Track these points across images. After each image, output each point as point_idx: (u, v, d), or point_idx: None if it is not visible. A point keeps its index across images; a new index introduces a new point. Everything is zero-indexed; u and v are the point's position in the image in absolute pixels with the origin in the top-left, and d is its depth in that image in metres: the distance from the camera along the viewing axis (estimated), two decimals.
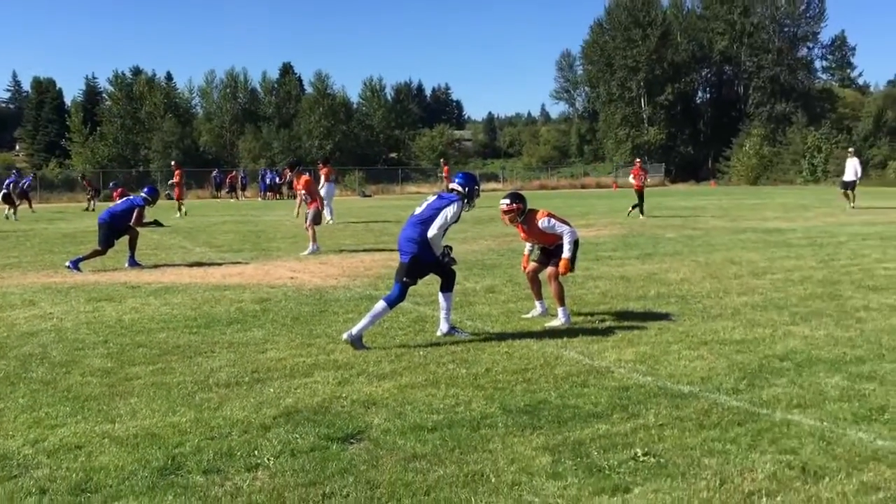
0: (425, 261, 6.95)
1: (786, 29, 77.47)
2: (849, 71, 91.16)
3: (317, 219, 14.53)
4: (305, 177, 15.51)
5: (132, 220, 12.52)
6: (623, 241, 15.29)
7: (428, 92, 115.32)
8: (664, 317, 7.78)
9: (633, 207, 22.59)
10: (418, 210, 7.06)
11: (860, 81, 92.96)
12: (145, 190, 13.43)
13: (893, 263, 11.38)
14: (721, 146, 72.33)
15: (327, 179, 22.05)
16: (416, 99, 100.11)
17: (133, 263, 12.59)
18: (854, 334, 6.91)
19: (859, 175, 26.20)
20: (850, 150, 28.09)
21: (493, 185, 58.10)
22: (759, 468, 3.92)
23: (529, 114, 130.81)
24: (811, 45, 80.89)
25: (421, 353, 6.44)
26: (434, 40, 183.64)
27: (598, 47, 79.22)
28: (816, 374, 5.64)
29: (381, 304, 6.81)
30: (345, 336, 6.63)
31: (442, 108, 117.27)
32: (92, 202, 35.19)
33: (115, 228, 12.56)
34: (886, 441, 4.28)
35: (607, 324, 7.53)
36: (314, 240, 14.20)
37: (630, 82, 75.17)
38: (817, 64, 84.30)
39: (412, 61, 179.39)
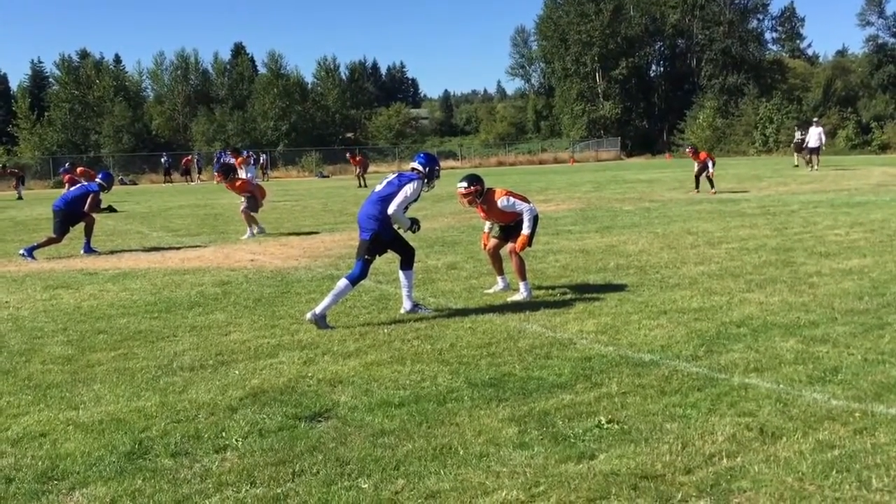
0: (385, 237, 6.96)
1: (736, 1, 78.25)
2: (798, 42, 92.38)
3: (252, 205, 14.25)
4: (241, 158, 16.01)
5: (86, 207, 12.31)
6: (582, 215, 15.43)
7: (383, 71, 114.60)
8: (624, 288, 7.90)
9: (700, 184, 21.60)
10: (378, 188, 7.06)
11: (809, 52, 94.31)
12: (100, 175, 13.22)
13: (844, 230, 11.66)
14: (675, 119, 73.10)
15: (239, 166, 22.04)
16: (371, 78, 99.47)
17: (88, 250, 12.40)
18: (807, 299, 7.09)
19: (823, 142, 28.42)
20: (815, 119, 30.09)
21: (451, 162, 58.04)
22: (718, 431, 4.02)
23: (486, 91, 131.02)
24: (761, 17, 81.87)
25: (385, 330, 6.47)
26: (388, 18, 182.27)
27: (553, 22, 79.23)
28: (772, 339, 5.78)
29: (343, 283, 6.81)
30: (308, 316, 6.63)
31: (398, 87, 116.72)
32: (18, 190, 34.72)
33: (70, 215, 12.35)
34: (840, 401, 4.42)
35: (568, 296, 7.63)
36: (251, 223, 14.03)
37: (584, 57, 75.38)
38: (767, 35, 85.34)
39: (366, 40, 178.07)
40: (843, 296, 7.18)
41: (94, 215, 12.71)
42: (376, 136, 79.21)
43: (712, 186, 20.52)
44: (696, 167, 21.26)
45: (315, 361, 5.62)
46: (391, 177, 7.16)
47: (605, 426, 4.14)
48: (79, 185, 13.34)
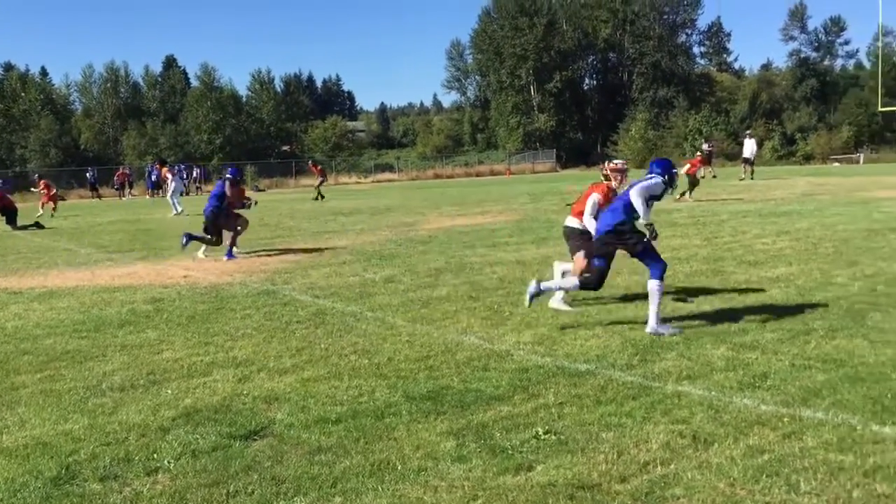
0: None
1: (665, 16, 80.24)
2: (725, 56, 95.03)
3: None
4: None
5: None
6: (518, 227, 15.56)
7: (319, 83, 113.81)
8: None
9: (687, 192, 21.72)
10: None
11: (736, 66, 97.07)
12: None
13: (771, 239, 12.00)
14: (609, 131, 74.46)
15: (164, 177, 21.48)
16: (306, 91, 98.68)
17: None
18: (737, 307, 7.27)
19: (754, 153, 32.31)
20: (749, 132, 32.62)
21: (387, 175, 58.02)
22: (653, 439, 4.08)
23: (422, 103, 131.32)
24: (689, 32, 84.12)
25: (322, 345, 6.40)
26: (323, 31, 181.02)
27: (487, 36, 79.99)
28: (703, 347, 5.91)
29: (654, 284, 6.45)
30: (648, 330, 6.35)
31: (334, 100, 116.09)
32: None
33: None
34: (769, 406, 4.53)
35: (506, 308, 7.67)
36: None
37: (519, 70, 76.24)
38: (696, 50, 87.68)
39: (301, 53, 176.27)
40: (771, 303, 7.38)
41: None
42: (313, 148, 78.59)
43: (686, 194, 21.17)
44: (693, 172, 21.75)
45: (250, 378, 5.52)
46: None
47: (542, 437, 4.17)
48: None
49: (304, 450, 4.13)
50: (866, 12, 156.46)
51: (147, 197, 44.97)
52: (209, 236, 12.66)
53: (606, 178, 8.02)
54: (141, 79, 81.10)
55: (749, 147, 32.48)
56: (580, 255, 7.57)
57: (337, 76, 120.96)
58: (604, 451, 3.94)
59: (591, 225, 7.38)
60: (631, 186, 6.84)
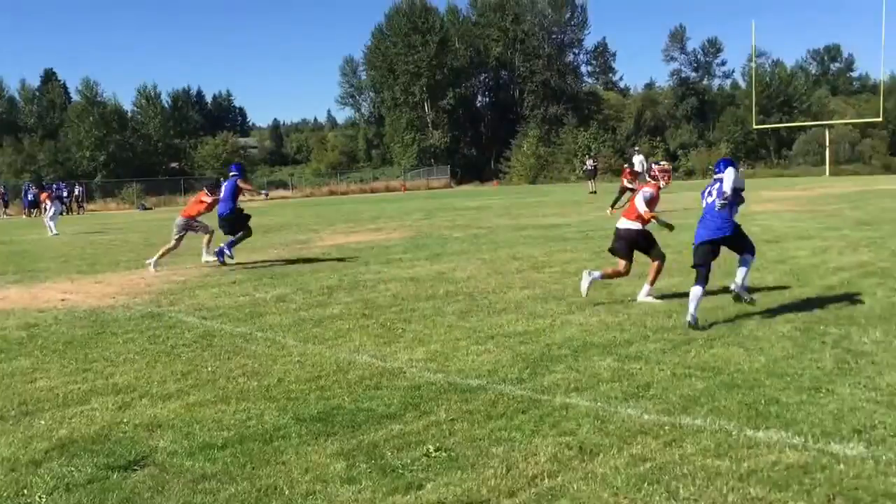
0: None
1: (553, 36, 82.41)
2: (611, 75, 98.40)
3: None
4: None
5: None
6: (413, 243, 15.59)
7: (209, 99, 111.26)
8: (453, 314, 8.02)
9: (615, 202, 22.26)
10: (709, 200, 7.50)
11: (621, 85, 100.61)
12: None
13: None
14: (502, 147, 75.75)
15: (45, 200, 20.59)
16: (196, 106, 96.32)
17: None
18: (623, 319, 7.49)
19: (644, 168, 32.64)
20: (636, 148, 34.44)
21: (281, 192, 57.16)
22: (541, 452, 4.14)
23: (316, 119, 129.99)
24: (577, 52, 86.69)
25: (209, 368, 6.22)
26: (212, 46, 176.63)
27: (381, 53, 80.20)
28: (591, 359, 6.05)
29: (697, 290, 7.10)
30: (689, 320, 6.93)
31: (225, 116, 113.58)
32: None
33: None
34: (652, 415, 4.67)
35: (399, 325, 7.64)
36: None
37: (413, 87, 76.71)
38: (583, 69, 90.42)
39: (189, 67, 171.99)
40: (655, 314, 7.63)
41: None
42: (203, 165, 76.66)
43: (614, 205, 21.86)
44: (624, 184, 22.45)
45: (131, 406, 5.30)
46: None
47: (433, 454, 4.16)
48: None
49: (187, 478, 3.98)
50: (741, 35, 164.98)
51: (23, 216, 42.81)
52: (241, 233, 13.08)
53: (654, 178, 8.84)
54: (17, 93, 77.42)
55: (638, 163, 33.78)
56: (623, 263, 8.48)
57: (227, 92, 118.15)
58: (493, 465, 3.97)
59: (642, 207, 8.26)
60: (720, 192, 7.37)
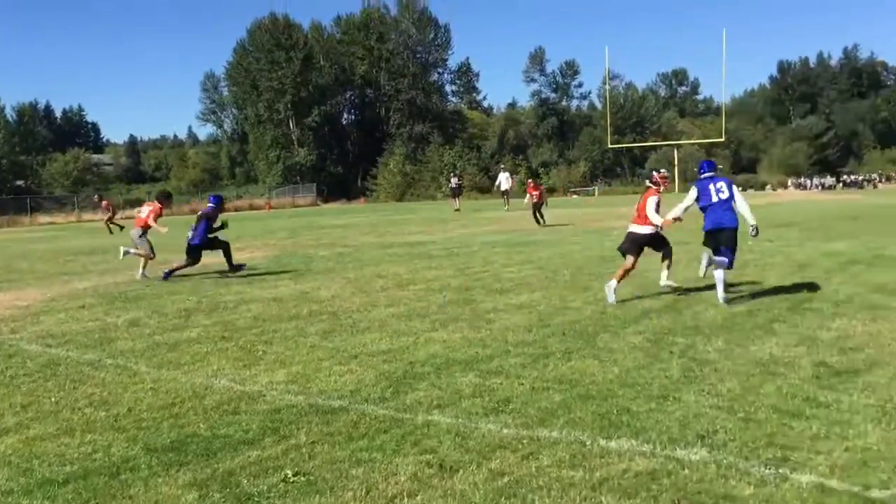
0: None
1: (418, 55, 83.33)
2: (475, 95, 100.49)
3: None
4: None
5: None
6: (276, 262, 15.31)
7: (58, 114, 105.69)
8: (316, 334, 7.90)
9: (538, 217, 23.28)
10: (723, 196, 8.96)
11: (485, 104, 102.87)
12: None
13: (516, 268, 12.73)
14: (369, 165, 75.75)
15: None
16: (44, 121, 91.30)
17: None
18: (485, 334, 7.60)
19: (511, 185, 35.31)
20: (502, 165, 36.80)
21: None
22: (401, 471, 4.13)
23: (176, 136, 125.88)
24: (441, 71, 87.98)
25: (52, 399, 5.85)
26: (62, 59, 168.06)
27: (243, 69, 78.69)
28: (453, 375, 6.10)
29: (721, 273, 8.73)
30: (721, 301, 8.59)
31: (76, 131, 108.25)
32: None
33: None
34: (511, 429, 4.75)
35: (260, 347, 7.46)
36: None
37: (277, 104, 75.64)
38: (448, 88, 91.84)
39: (37, 81, 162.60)
40: (516, 329, 7.79)
41: None
42: (52, 183, 72.64)
43: (541, 220, 22.91)
44: (530, 201, 23.62)
45: None
46: (720, 184, 9.10)
47: (291, 479, 4.07)
48: None
49: None
50: (596, 57, 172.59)
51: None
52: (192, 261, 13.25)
53: (657, 184, 9.70)
54: None
55: (504, 180, 34.95)
56: (631, 259, 9.44)
57: (79, 106, 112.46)
58: (353, 488, 3.92)
59: (656, 219, 9.32)
60: (732, 196, 9.01)
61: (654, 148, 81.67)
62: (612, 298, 9.08)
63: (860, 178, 76.14)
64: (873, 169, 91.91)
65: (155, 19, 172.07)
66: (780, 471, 3.95)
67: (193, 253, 13.20)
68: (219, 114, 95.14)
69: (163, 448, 4.66)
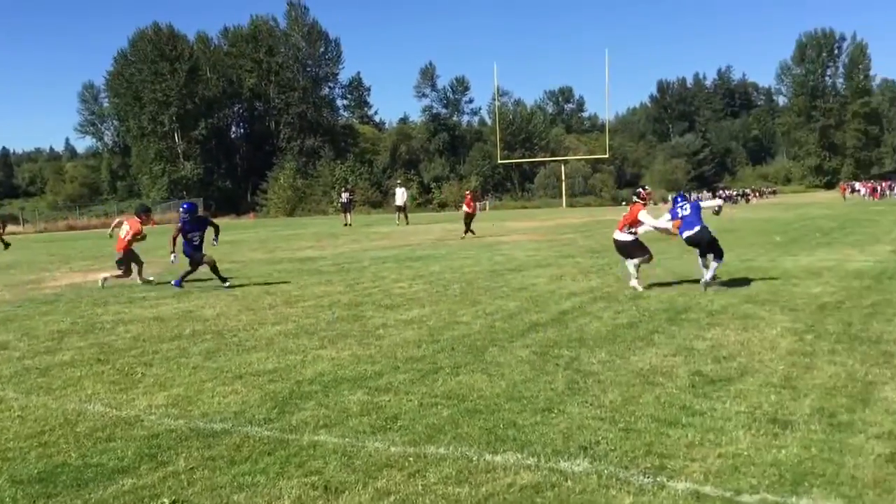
0: None
1: (308, 69, 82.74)
2: (366, 109, 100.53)
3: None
4: None
5: None
6: (159, 280, 14.76)
7: None
8: (199, 355, 7.66)
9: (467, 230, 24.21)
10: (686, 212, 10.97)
11: (377, 119, 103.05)
12: None
13: (407, 282, 12.73)
14: (258, 179, 74.45)
15: None
16: None
17: None
18: (374, 351, 7.54)
19: (406, 199, 35.89)
20: (399, 181, 37.90)
21: (11, 227, 51.96)
22: (285, 494, 4.03)
23: (52, 148, 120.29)
24: (332, 85, 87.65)
25: None
26: None
27: (125, 80, 76.19)
28: (341, 393, 6.02)
29: (716, 263, 10.86)
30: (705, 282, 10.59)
31: None
32: None
33: None
34: (398, 447, 4.72)
35: (139, 369, 7.15)
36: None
37: (162, 116, 73.53)
38: (339, 102, 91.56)
39: None
40: (405, 345, 7.77)
41: None
42: None
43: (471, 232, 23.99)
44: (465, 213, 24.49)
45: None
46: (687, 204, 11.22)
47: None
48: None
49: None
50: (486, 74, 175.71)
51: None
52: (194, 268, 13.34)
53: (643, 199, 11.37)
54: None
55: (400, 195, 35.17)
56: (639, 258, 11.15)
57: None
58: None
59: (665, 224, 11.27)
60: (694, 207, 11.09)
61: (542, 163, 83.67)
62: (640, 287, 10.90)
63: (735, 193, 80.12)
64: (746, 184, 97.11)
65: (27, 26, 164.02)
66: (658, 479, 4.08)
67: (196, 256, 13.17)
68: (99, 126, 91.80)
69: (29, 479, 4.40)
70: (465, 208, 25.01)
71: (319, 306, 10.53)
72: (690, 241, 11.01)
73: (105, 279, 13.83)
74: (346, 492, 4.04)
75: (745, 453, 4.41)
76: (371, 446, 4.75)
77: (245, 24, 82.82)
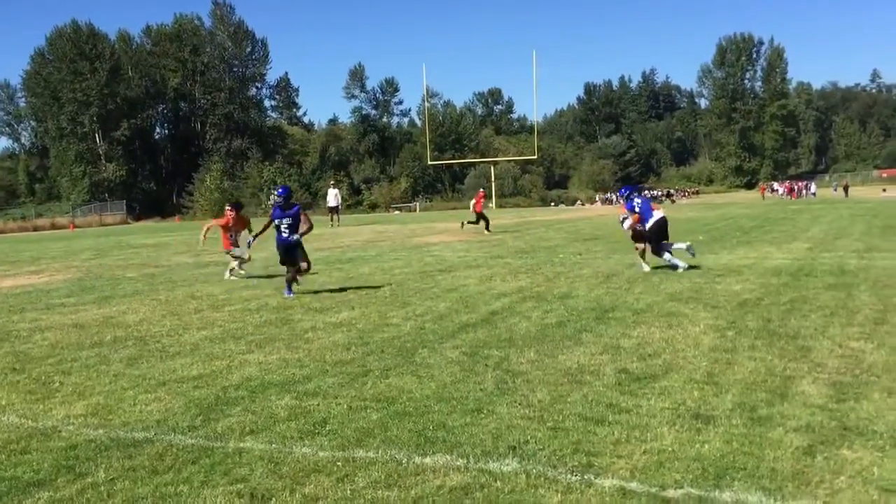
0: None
1: (235, 69, 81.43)
2: (295, 110, 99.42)
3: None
4: None
5: None
6: (79, 286, 14.30)
7: None
8: (120, 362, 7.43)
9: (473, 223, 25.73)
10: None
11: (306, 120, 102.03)
12: None
13: (336, 285, 12.62)
14: (184, 181, 72.90)
15: None
16: None
17: None
18: (302, 355, 7.44)
19: (339, 201, 35.49)
20: (331, 182, 38.02)
21: None
22: (210, 503, 3.93)
23: None
24: (259, 86, 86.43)
25: None
26: None
27: (42, 79, 73.63)
28: (269, 398, 5.91)
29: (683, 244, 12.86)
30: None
31: None
32: None
33: None
34: (326, 451, 4.66)
35: (56, 378, 6.90)
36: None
37: (82, 117, 71.35)
38: (267, 103, 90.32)
39: None
40: (334, 348, 7.69)
41: None
42: None
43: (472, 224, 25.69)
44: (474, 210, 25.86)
45: None
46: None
47: None
48: None
49: None
50: (415, 75, 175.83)
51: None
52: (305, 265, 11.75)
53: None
54: None
55: (332, 196, 34.73)
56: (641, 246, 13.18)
57: None
58: None
59: (627, 224, 13.07)
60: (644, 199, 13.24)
61: (472, 164, 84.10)
62: (647, 268, 12.69)
63: (659, 193, 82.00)
64: (671, 185, 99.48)
65: None
66: (586, 477, 4.12)
67: (290, 252, 11.59)
68: (15, 126, 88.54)
69: None
70: (473, 206, 26.34)
71: (247, 310, 10.35)
72: (655, 228, 12.39)
73: (230, 270, 14.32)
74: (273, 499, 3.96)
75: (670, 449, 4.50)
76: (299, 452, 4.68)
77: (169, 23, 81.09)
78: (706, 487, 3.95)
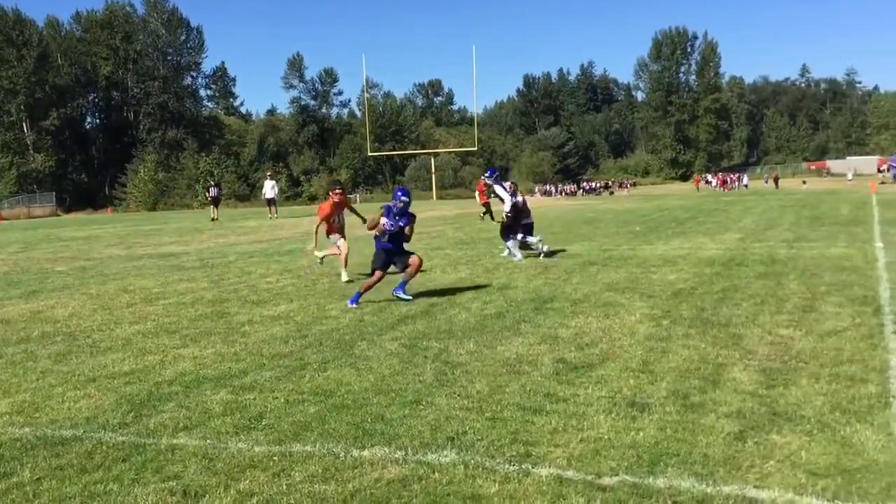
0: None
1: (169, 58, 79.66)
2: (232, 100, 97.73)
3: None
4: None
5: None
6: (5, 280, 13.82)
7: None
8: (48, 358, 7.20)
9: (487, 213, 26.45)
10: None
11: (243, 111, 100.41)
12: None
13: (275, 277, 12.46)
14: (117, 172, 71.12)
15: None
16: None
17: None
18: (239, 348, 7.32)
19: (276, 192, 34.19)
20: (269, 173, 37.86)
21: None
22: (141, 502, 3.84)
23: None
24: (195, 75, 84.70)
25: None
26: None
27: None
28: (203, 393, 5.80)
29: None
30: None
31: None
32: None
33: None
34: (263, 446, 4.58)
35: None
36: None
37: (9, 106, 68.99)
38: (202, 93, 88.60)
39: None
40: (272, 341, 7.58)
41: None
42: None
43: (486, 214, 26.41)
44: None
45: None
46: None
47: None
48: None
49: None
50: (355, 66, 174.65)
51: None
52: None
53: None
54: None
55: (269, 188, 33.84)
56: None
57: None
58: None
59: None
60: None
61: (413, 156, 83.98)
62: (519, 256, 13.49)
63: (598, 184, 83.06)
64: (609, 176, 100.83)
65: None
66: (523, 466, 4.14)
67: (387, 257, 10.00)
68: None
69: None
70: (479, 198, 27.61)
71: (182, 304, 10.14)
72: (514, 213, 13.80)
73: (344, 272, 12.19)
74: (207, 495, 3.89)
75: (606, 437, 4.55)
76: (234, 447, 4.59)
77: (100, 10, 78.85)
78: (640, 474, 4.00)
